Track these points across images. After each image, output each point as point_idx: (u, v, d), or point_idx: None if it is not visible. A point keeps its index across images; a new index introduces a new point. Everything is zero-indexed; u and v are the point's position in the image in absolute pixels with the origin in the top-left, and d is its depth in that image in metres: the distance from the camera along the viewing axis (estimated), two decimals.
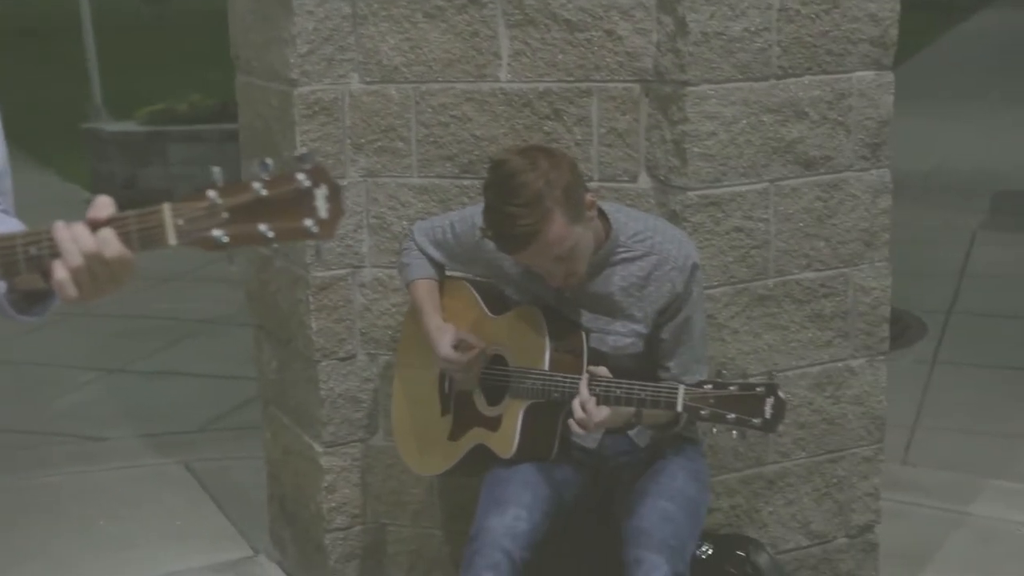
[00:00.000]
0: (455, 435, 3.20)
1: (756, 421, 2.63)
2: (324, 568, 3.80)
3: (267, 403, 4.12)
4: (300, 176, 1.63)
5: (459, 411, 3.20)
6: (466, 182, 3.48)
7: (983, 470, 4.81)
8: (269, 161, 1.65)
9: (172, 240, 1.64)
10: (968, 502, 4.51)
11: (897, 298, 6.74)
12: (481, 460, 3.12)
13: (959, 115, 13.39)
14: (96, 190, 9.65)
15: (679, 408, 2.71)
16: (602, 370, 2.86)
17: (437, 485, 3.71)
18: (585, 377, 2.85)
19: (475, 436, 3.14)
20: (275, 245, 1.67)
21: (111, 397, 5.89)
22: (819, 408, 3.55)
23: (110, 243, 1.68)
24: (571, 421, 2.85)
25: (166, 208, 1.64)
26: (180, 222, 1.64)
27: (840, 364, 3.55)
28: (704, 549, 3.21)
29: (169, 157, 9.86)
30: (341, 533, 3.77)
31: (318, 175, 1.63)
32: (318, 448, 3.72)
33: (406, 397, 3.38)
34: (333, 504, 3.74)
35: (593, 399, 2.81)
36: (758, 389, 2.64)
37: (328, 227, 1.64)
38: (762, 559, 3.24)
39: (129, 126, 10.38)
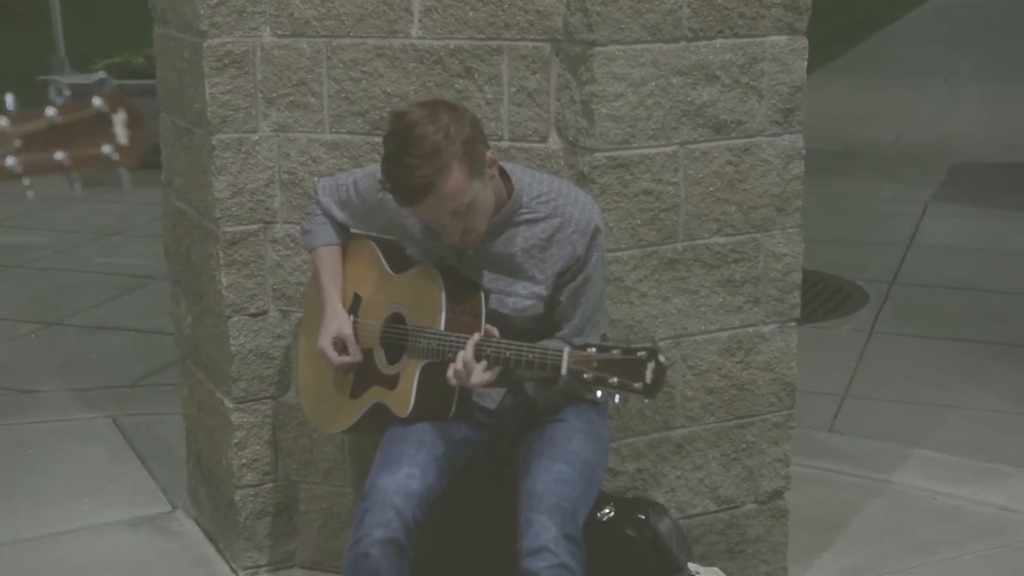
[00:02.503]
0: (355, 393, 3.17)
1: (637, 385, 2.60)
2: (235, 525, 3.78)
3: (184, 358, 4.09)
4: (96, 101, 1.59)
5: (360, 369, 3.16)
6: (377, 139, 3.39)
7: (909, 439, 4.81)
8: (65, 88, 1.61)
9: None
10: (890, 471, 4.52)
11: (841, 267, 6.85)
12: (380, 419, 3.09)
13: (922, 89, 13.38)
14: None
15: (563, 371, 2.69)
16: (493, 331, 2.84)
17: (348, 443, 3.68)
18: (475, 337, 2.82)
19: (374, 394, 3.11)
20: (74, 174, 1.63)
21: (46, 350, 5.85)
22: (728, 373, 3.52)
23: None
24: (449, 369, 2.83)
25: None
26: None
27: (750, 330, 3.53)
28: (606, 511, 3.19)
29: None
30: (252, 490, 3.74)
31: (115, 100, 1.60)
32: (229, 404, 3.68)
33: (311, 354, 3.34)
34: (244, 461, 3.71)
35: (481, 363, 2.78)
36: (639, 353, 2.61)
37: (130, 154, 1.61)
38: (663, 523, 3.22)
39: (86, 78, 10.26)
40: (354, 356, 3.10)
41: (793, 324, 3.58)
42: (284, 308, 3.62)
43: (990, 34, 17.98)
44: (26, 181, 1.61)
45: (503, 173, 2.98)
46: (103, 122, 1.58)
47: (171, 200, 3.92)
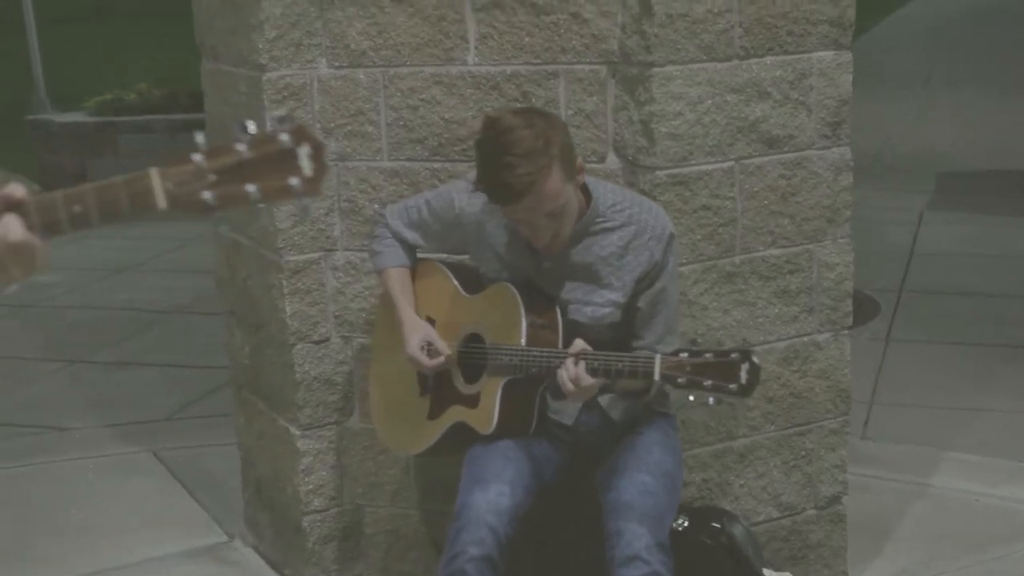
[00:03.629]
0: (434, 414, 3.23)
1: (732, 386, 2.69)
2: (303, 551, 3.82)
3: (239, 388, 4.14)
4: (283, 136, 1.66)
5: (437, 390, 3.23)
6: (436, 165, 3.51)
7: (939, 443, 4.91)
8: (250, 123, 1.67)
9: (162, 203, 1.66)
10: (927, 474, 4.61)
11: None
12: (461, 437, 3.16)
13: (900, 98, 13.55)
14: (44, 182, 9.57)
15: (656, 377, 2.76)
16: (579, 343, 2.90)
17: (413, 465, 3.74)
18: (572, 349, 2.88)
19: (454, 414, 3.17)
20: (261, 205, 1.69)
21: (74, 387, 5.88)
22: (787, 382, 3.61)
23: (12, 228, 1.69)
24: (560, 375, 2.88)
25: (154, 172, 1.66)
26: (169, 186, 1.66)
27: (806, 339, 3.62)
28: (680, 522, 3.26)
29: (120, 148, 9.78)
30: (319, 515, 3.79)
31: (300, 134, 1.66)
32: (295, 431, 3.74)
33: (384, 379, 3.41)
34: (310, 486, 3.77)
35: (584, 372, 2.85)
36: (733, 355, 2.70)
37: (313, 184, 1.68)
38: (737, 530, 3.30)
39: (77, 116, 10.27)
40: (445, 354, 3.15)
41: (846, 332, 3.68)
42: (346, 334, 3.68)
43: (959, 43, 18.23)
44: (219, 214, 1.67)
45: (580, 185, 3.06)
46: (289, 155, 1.65)
47: (224, 232, 3.97)
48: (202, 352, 6.22)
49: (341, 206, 3.60)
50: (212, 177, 1.65)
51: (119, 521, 4.45)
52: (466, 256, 3.28)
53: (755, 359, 2.69)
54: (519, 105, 3.29)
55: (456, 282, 3.23)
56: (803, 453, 3.69)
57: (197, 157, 1.65)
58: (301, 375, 3.67)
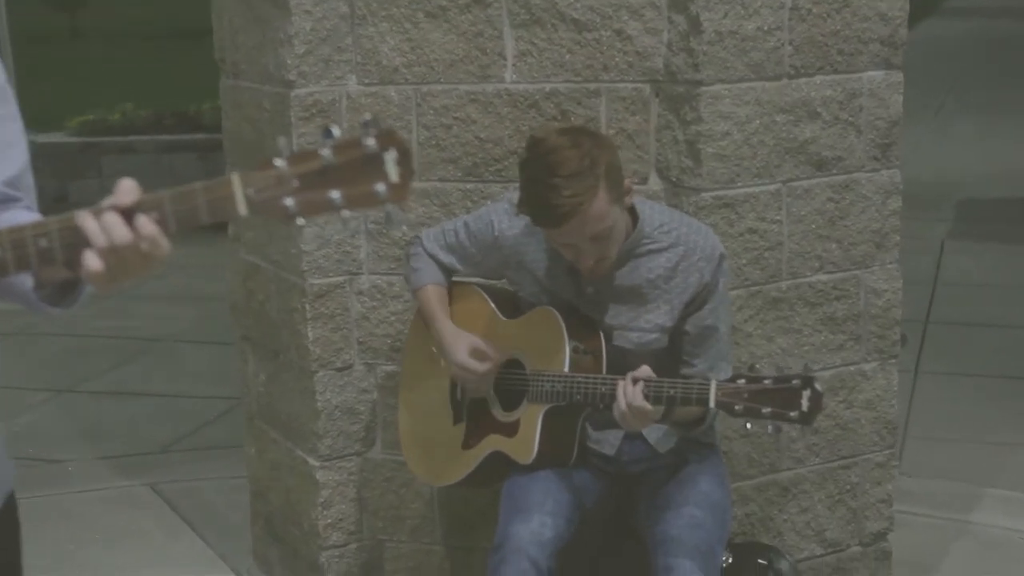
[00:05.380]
0: (469, 443, 3.25)
1: (793, 414, 2.70)
2: None
3: (251, 418, 4.14)
4: (368, 141, 1.66)
5: (473, 419, 3.25)
6: (469, 186, 3.54)
7: (977, 479, 4.95)
8: (334, 128, 1.67)
9: (242, 210, 1.66)
10: (967, 511, 4.65)
11: None
12: (498, 467, 3.18)
13: (913, 126, 13.65)
14: None
15: (711, 404, 2.78)
16: (646, 369, 2.90)
17: (437, 499, 3.76)
18: (628, 378, 2.89)
19: (491, 443, 3.19)
20: (346, 212, 1.70)
21: (64, 418, 5.88)
22: (832, 413, 3.64)
23: (144, 228, 1.70)
24: (618, 394, 2.88)
25: (235, 178, 1.66)
26: (250, 191, 1.66)
27: (852, 368, 3.66)
28: (724, 558, 3.28)
29: (103, 169, 9.78)
30: (337, 551, 3.80)
31: (386, 138, 1.66)
32: (313, 462, 3.75)
33: (414, 407, 3.42)
34: (329, 520, 3.78)
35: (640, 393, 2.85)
36: (794, 382, 2.71)
37: (399, 191, 1.66)
38: (783, 566, 3.33)
39: (59, 137, 10.26)
40: (494, 355, 3.15)
41: (894, 361, 3.72)
42: (370, 361, 3.70)
43: (969, 72, 18.42)
44: (301, 220, 1.69)
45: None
46: (375, 160, 1.66)
47: (241, 254, 4.00)
48: (193, 382, 6.26)
49: (368, 228, 3.62)
50: (295, 183, 1.65)
51: (124, 559, 4.43)
52: (502, 280, 3.31)
53: (818, 385, 2.71)
54: (564, 124, 3.32)
55: (493, 305, 3.25)
56: (848, 487, 3.72)
57: (279, 162, 1.65)
58: (322, 403, 3.69)
